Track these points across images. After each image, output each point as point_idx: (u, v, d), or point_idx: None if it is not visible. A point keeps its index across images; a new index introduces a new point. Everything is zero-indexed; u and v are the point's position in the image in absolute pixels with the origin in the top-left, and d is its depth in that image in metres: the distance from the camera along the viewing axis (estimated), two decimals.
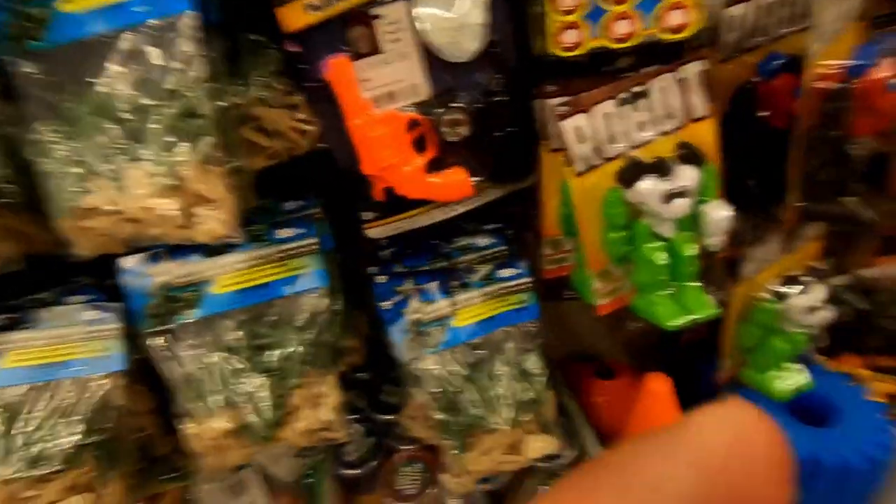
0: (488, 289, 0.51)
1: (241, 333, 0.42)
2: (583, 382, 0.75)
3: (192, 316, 0.42)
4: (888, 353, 0.71)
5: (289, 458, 0.73)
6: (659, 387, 0.54)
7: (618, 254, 0.45)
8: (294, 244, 0.45)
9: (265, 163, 0.44)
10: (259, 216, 0.47)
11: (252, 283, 0.44)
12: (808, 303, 0.51)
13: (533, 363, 0.50)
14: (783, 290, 0.51)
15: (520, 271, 0.51)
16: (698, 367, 0.61)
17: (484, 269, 0.51)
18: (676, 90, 0.43)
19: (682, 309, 0.44)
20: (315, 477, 0.63)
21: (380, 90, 0.43)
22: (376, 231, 0.51)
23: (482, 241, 0.56)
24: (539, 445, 0.48)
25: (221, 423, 0.40)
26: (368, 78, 0.43)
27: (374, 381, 0.67)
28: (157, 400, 0.49)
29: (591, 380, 0.74)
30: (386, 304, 0.50)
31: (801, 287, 0.51)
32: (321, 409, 0.43)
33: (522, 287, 0.51)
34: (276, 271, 0.44)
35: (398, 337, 0.49)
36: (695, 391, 0.67)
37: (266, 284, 0.44)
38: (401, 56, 0.43)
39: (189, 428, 0.40)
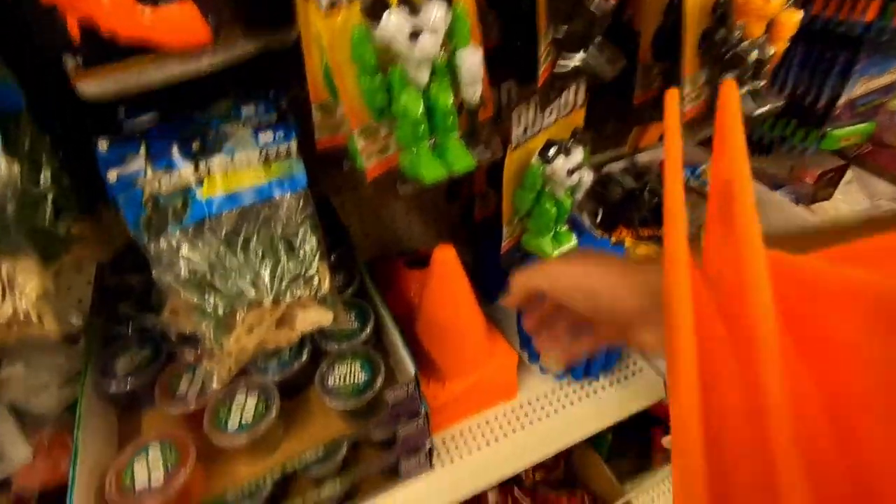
0: (244, 155, 0.44)
1: None
2: (397, 274, 0.76)
3: None
4: (649, 224, 0.82)
5: (50, 388, 0.62)
6: (443, 255, 0.56)
7: (376, 104, 0.41)
8: None
9: None
10: None
11: None
12: (569, 165, 0.54)
13: (302, 237, 0.46)
14: (548, 153, 0.53)
15: (282, 134, 0.46)
16: (490, 239, 0.64)
17: (240, 133, 0.45)
18: None
19: (442, 163, 0.44)
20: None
21: None
22: (91, 85, 0.41)
23: (247, 109, 0.49)
24: (311, 319, 0.46)
25: None
26: None
27: (146, 281, 0.59)
28: None
29: (403, 270, 0.75)
30: (111, 175, 0.41)
31: (563, 150, 0.54)
32: (14, 298, 0.35)
33: (284, 153, 0.46)
34: None
35: (131, 214, 0.41)
36: (488, 261, 0.71)
37: None
38: None
39: None
